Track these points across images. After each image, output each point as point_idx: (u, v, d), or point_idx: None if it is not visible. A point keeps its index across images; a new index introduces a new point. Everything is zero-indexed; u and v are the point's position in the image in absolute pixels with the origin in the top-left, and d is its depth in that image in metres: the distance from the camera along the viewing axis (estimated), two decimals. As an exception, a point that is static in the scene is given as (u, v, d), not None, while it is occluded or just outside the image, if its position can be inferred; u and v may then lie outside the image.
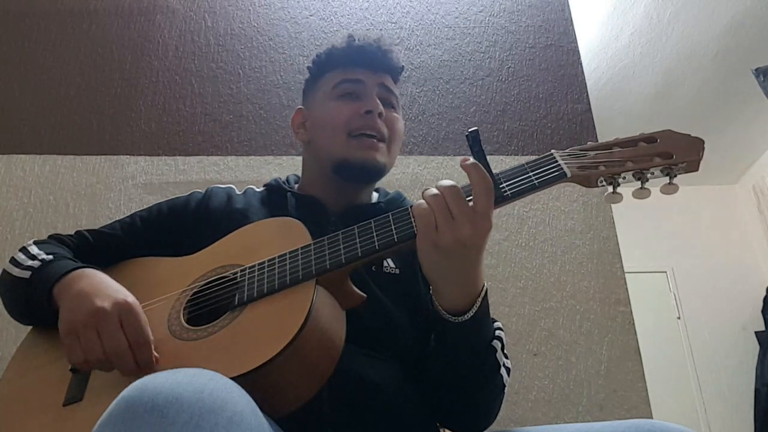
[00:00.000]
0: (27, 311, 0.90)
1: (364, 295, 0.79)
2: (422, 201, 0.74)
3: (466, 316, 0.77)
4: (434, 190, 0.74)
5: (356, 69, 1.03)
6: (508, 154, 1.67)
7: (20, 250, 0.93)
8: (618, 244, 1.55)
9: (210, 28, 1.82)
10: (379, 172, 1.01)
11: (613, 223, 1.58)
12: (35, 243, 0.95)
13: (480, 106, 1.74)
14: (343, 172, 0.99)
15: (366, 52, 1.04)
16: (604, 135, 1.75)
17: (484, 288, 0.79)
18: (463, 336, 0.79)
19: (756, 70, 2.97)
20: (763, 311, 4.07)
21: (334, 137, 0.99)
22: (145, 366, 0.72)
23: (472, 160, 0.74)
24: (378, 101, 1.00)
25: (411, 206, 0.77)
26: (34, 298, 0.85)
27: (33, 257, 0.90)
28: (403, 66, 1.09)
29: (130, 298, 0.76)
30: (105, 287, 0.79)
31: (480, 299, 0.77)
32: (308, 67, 1.10)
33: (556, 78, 1.78)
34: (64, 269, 0.85)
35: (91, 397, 0.75)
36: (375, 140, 0.98)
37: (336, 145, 0.99)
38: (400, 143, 1.05)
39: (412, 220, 0.76)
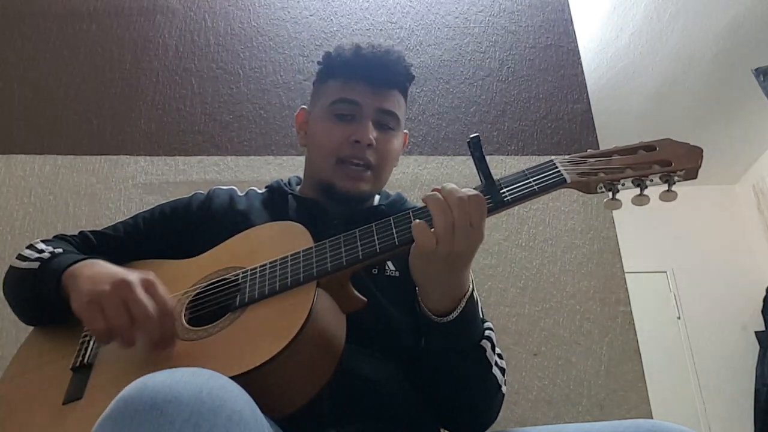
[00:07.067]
0: (33, 304, 0.90)
1: (365, 299, 0.79)
2: (419, 221, 0.74)
3: (450, 317, 0.78)
4: (442, 201, 0.74)
5: (356, 85, 1.01)
6: (508, 154, 1.67)
7: (27, 247, 0.94)
8: (618, 244, 1.55)
9: (210, 28, 1.82)
10: (363, 199, 1.03)
11: (613, 223, 1.58)
12: (42, 241, 0.96)
13: (480, 106, 1.74)
14: (328, 194, 1.01)
15: (369, 68, 1.02)
16: (604, 135, 1.76)
17: (470, 290, 0.80)
18: (449, 336, 0.80)
19: (756, 70, 2.97)
20: (763, 311, 4.07)
21: (324, 160, 1.01)
22: (167, 337, 0.73)
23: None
24: (370, 128, 0.99)
25: (412, 210, 0.78)
26: (42, 287, 0.85)
27: (41, 251, 0.91)
28: (413, 76, 1.07)
29: (152, 274, 0.77)
30: (121, 269, 0.79)
31: (465, 300, 0.78)
32: (317, 62, 1.10)
33: (556, 78, 1.78)
34: (74, 259, 0.85)
35: (91, 395, 0.75)
36: (361, 169, 0.99)
37: (324, 168, 1.01)
38: (393, 163, 1.05)
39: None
